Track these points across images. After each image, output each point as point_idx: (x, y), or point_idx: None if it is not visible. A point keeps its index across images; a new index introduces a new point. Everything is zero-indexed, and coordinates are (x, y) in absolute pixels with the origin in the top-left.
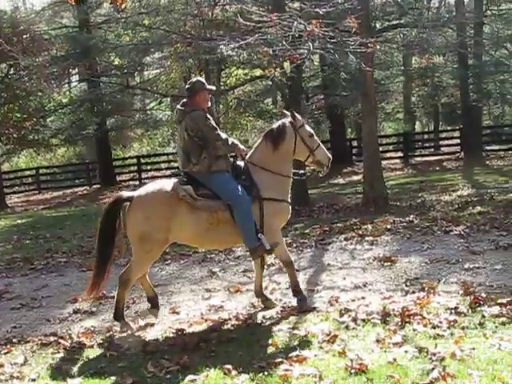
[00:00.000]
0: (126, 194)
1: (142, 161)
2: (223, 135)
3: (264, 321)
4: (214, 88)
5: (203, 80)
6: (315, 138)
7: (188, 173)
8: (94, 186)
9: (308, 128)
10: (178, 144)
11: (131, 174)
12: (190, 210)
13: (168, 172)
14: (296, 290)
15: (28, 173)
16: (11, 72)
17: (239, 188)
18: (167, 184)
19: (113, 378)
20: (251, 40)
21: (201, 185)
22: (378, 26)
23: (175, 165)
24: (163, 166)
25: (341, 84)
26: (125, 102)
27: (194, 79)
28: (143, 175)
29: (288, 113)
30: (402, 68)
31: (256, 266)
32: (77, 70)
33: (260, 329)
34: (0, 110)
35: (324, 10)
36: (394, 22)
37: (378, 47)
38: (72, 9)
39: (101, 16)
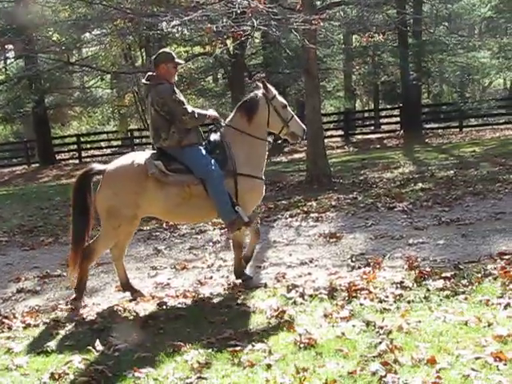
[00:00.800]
0: (97, 166)
1: (82, 139)
2: (190, 108)
3: (212, 298)
4: (181, 62)
5: (169, 51)
6: (288, 109)
7: (159, 148)
8: (33, 165)
9: (281, 99)
10: (148, 119)
11: (71, 153)
12: (159, 185)
13: (108, 151)
14: (239, 272)
15: None
16: None
17: (212, 162)
18: (138, 159)
19: (60, 356)
20: (194, 16)
21: (172, 159)
22: (318, 3)
23: (115, 143)
24: (103, 144)
25: (283, 62)
26: (63, 79)
27: (160, 50)
28: (83, 154)
29: (260, 84)
30: (343, 46)
31: (235, 244)
32: (13, 46)
33: (208, 306)
34: None
35: None
36: (337, 0)
37: (322, 24)
38: None
39: None
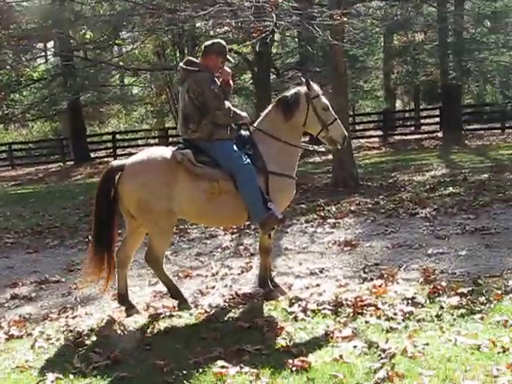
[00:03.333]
0: (116, 162)
1: (119, 137)
2: (226, 104)
3: (209, 310)
4: (231, 60)
5: (225, 45)
6: (331, 111)
7: (187, 139)
8: (68, 163)
9: (324, 100)
10: (179, 107)
11: (107, 151)
12: (189, 176)
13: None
14: (263, 281)
15: (2, 148)
16: None
17: (243, 157)
18: (162, 149)
19: (35, 373)
20: (212, 10)
21: (201, 151)
22: None
23: (152, 142)
24: (140, 142)
25: (314, 59)
26: (99, 77)
27: (215, 40)
28: (119, 152)
29: (303, 80)
30: (382, 45)
31: (262, 249)
32: (51, 44)
33: (203, 319)
34: None
35: None
36: None
37: (345, 19)
38: None
39: None
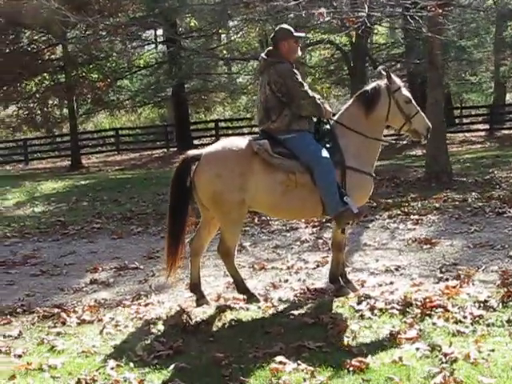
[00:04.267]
0: (192, 152)
1: (223, 125)
2: (311, 93)
3: (278, 304)
4: (302, 35)
5: (289, 27)
6: (413, 103)
7: (265, 130)
8: (172, 149)
9: (405, 92)
10: (258, 98)
11: (210, 138)
12: (265, 167)
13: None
14: (334, 277)
15: (110, 133)
16: (88, 32)
17: (322, 150)
18: (239, 140)
19: (98, 359)
20: (303, 1)
21: (278, 143)
22: None
23: (257, 130)
24: (245, 130)
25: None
26: (202, 65)
27: (278, 27)
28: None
29: (384, 73)
30: (491, 36)
31: (334, 245)
32: (158, 32)
33: (270, 313)
34: (78, 71)
35: None
36: None
37: (440, 11)
38: None
39: None
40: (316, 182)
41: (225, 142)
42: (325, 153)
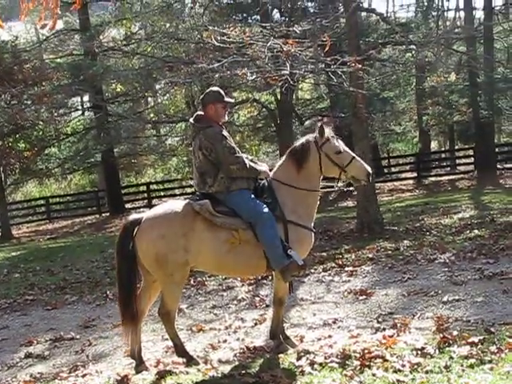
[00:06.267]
0: (132, 217)
1: (155, 187)
2: (241, 158)
3: (217, 365)
4: (230, 100)
5: (219, 90)
6: (345, 153)
7: (204, 193)
8: (104, 215)
9: (334, 144)
10: (193, 162)
11: (143, 201)
12: (208, 227)
13: (181, 198)
14: (274, 333)
15: (40, 202)
16: (13, 102)
17: (262, 205)
18: (178, 202)
19: None
20: (226, 62)
21: (219, 202)
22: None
23: (189, 190)
24: (177, 191)
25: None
26: (130, 129)
27: (208, 89)
28: (155, 202)
29: (318, 126)
30: (412, 87)
31: (275, 300)
32: (84, 98)
33: (210, 375)
34: (4, 141)
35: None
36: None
37: (360, 66)
38: (77, 36)
39: (108, 43)
40: (259, 237)
41: (165, 205)
42: (265, 208)
